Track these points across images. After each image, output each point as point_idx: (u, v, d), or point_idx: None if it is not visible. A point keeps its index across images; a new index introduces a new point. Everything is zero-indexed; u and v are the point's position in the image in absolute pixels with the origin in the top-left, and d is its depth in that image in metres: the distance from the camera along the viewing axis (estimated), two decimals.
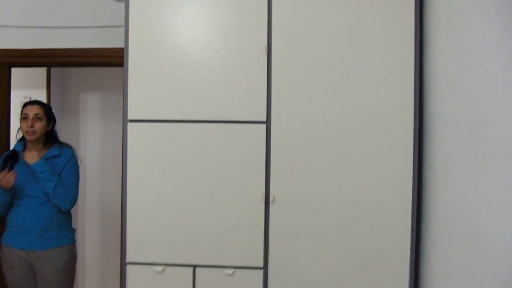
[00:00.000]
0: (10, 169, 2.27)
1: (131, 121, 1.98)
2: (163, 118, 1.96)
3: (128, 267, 2.00)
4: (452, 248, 1.61)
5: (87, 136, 3.58)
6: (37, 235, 2.27)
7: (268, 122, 1.91)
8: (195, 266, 1.97)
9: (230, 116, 1.93)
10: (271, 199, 1.91)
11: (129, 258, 2.00)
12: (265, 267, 1.94)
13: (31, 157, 2.32)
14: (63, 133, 3.56)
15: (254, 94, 1.92)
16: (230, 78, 1.93)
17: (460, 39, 1.60)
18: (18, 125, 2.40)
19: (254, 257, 1.94)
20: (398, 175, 1.86)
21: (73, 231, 2.46)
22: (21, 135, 2.41)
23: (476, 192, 1.42)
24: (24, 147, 2.35)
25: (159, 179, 1.98)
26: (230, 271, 1.94)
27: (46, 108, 2.40)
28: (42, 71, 3.44)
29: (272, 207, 1.92)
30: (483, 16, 1.42)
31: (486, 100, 1.38)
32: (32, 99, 3.39)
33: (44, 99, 3.38)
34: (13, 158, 2.32)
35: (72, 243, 2.41)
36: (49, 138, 2.40)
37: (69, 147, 2.45)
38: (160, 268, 1.98)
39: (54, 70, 3.49)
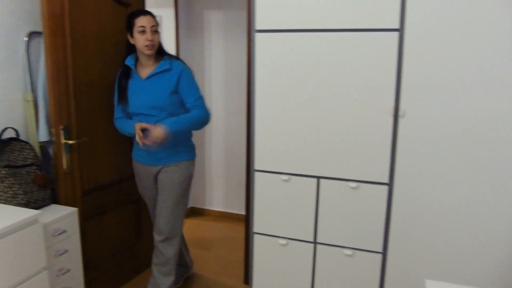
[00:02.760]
0: (125, 86, 2.28)
1: (259, 31, 1.98)
2: (291, 28, 1.92)
3: (256, 174, 2.12)
4: None
5: (211, 52, 3.70)
6: (156, 151, 2.32)
7: (401, 30, 1.76)
8: (319, 178, 2.01)
9: (361, 24, 1.81)
10: (400, 113, 1.82)
11: (256, 166, 2.10)
12: (390, 183, 1.90)
13: (144, 71, 2.28)
14: (190, 50, 3.74)
15: None
16: None
17: None
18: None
19: (379, 172, 1.90)
20: None
21: (191, 147, 2.43)
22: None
23: None
24: (136, 61, 2.30)
25: (286, 90, 1.99)
26: (354, 184, 1.95)
27: (156, 19, 2.26)
28: None
29: (401, 122, 1.83)
30: None
31: None
32: (163, 18, 3.59)
33: (172, 18, 3.55)
34: (126, 76, 2.29)
35: (189, 159, 2.38)
36: (159, 50, 2.29)
37: (178, 59, 2.35)
38: (286, 177, 2.06)
39: None
